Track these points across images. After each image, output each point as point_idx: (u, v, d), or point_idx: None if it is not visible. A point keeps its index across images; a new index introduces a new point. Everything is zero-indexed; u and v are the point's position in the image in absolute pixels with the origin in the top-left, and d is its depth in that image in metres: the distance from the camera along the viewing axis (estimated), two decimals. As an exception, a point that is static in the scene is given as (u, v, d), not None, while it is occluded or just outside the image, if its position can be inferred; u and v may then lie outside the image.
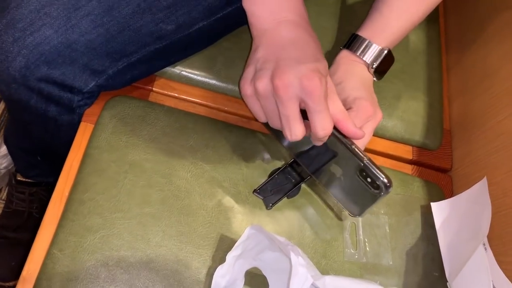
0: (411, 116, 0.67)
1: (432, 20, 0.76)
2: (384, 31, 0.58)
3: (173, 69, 0.62)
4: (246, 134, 0.60)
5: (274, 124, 0.48)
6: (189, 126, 0.58)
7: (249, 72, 0.48)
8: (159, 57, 0.58)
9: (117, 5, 0.51)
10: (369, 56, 0.57)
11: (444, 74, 0.75)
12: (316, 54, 0.47)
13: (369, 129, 0.52)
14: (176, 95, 0.62)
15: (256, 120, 0.51)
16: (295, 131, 0.45)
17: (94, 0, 0.50)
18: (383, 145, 0.67)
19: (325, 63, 0.48)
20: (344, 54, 0.58)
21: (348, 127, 0.47)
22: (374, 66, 0.57)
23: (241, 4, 0.58)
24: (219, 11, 0.58)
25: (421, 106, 0.68)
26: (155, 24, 0.54)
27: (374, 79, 0.59)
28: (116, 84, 0.57)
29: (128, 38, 0.53)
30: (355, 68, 0.57)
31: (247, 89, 0.47)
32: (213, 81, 0.63)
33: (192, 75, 0.63)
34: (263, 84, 0.45)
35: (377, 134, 0.67)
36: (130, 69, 0.56)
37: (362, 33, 0.58)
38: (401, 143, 0.67)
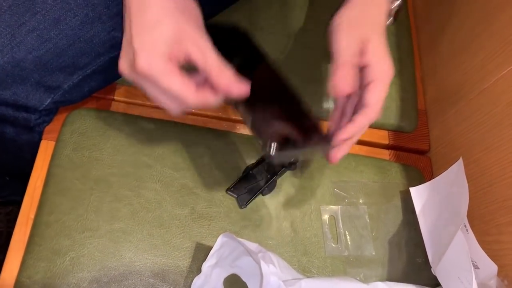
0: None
1: (398, -1, 0.74)
2: None
3: (134, 75, 0.60)
4: (215, 136, 0.58)
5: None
6: (154, 133, 0.56)
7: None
8: (115, 66, 0.55)
9: (63, 17, 0.48)
10: None
11: (416, 55, 0.73)
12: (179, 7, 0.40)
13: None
14: (140, 101, 0.60)
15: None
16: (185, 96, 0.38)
17: (39, 14, 0.48)
18: (358, 133, 0.65)
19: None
20: None
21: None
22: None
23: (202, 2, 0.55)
24: None
25: (394, 89, 0.66)
26: (107, 32, 0.51)
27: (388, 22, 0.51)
28: (74, 98, 0.55)
29: (80, 50, 0.50)
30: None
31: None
32: (177, 84, 0.61)
33: (155, 80, 0.61)
34: (126, 71, 0.40)
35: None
36: (87, 81, 0.54)
37: None
38: (376, 128, 0.66)
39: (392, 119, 0.65)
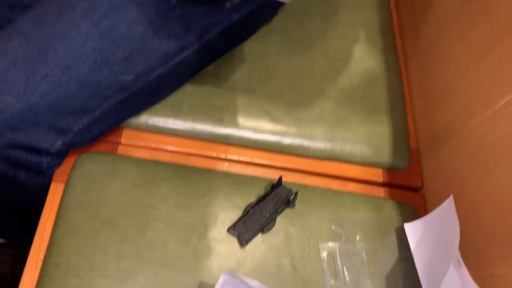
0: (377, 140, 0.69)
1: (389, 44, 0.79)
2: None
3: (139, 119, 0.64)
4: (217, 176, 0.61)
5: None
6: (159, 175, 0.59)
7: None
8: (123, 108, 0.59)
9: (73, 64, 0.52)
10: None
11: (407, 96, 0.77)
12: None
13: None
14: (145, 144, 0.63)
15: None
16: None
17: (51, 62, 0.52)
18: (353, 171, 0.68)
19: None
20: None
21: None
22: None
23: (197, 48, 0.60)
24: (175, 56, 0.60)
25: (386, 128, 0.70)
26: (114, 76, 0.55)
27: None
28: (84, 141, 0.58)
29: (89, 93, 0.54)
30: None
31: None
32: (180, 127, 0.64)
33: (159, 123, 0.64)
34: None
35: (346, 160, 0.68)
36: (96, 123, 0.57)
37: None
38: (371, 166, 0.69)
39: (386, 158, 0.68)
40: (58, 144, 0.54)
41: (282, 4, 0.73)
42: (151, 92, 0.61)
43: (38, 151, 0.54)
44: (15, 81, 0.50)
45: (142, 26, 0.55)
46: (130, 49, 0.55)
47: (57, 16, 0.53)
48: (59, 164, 0.58)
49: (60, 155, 0.57)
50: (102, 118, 0.57)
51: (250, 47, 0.73)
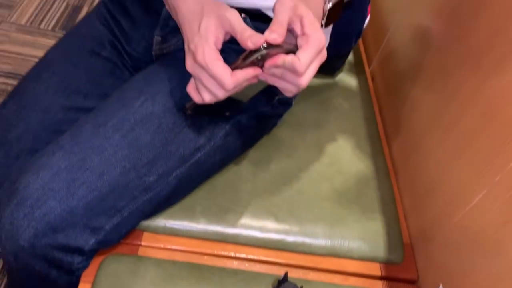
0: (373, 236, 0.75)
1: (376, 149, 0.89)
2: None
3: (158, 223, 0.71)
4: (227, 274, 0.67)
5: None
6: (175, 274, 0.65)
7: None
8: (147, 207, 0.66)
9: (106, 170, 0.61)
10: None
11: (396, 193, 0.85)
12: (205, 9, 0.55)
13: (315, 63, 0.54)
14: (162, 246, 0.70)
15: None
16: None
17: (88, 171, 0.60)
18: (352, 266, 0.74)
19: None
20: None
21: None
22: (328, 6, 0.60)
23: (208, 149, 0.69)
24: (190, 158, 0.68)
25: (380, 225, 0.77)
26: (140, 178, 0.63)
27: (323, 21, 0.62)
28: (113, 239, 0.64)
29: (119, 194, 0.62)
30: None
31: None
32: (193, 229, 0.71)
33: (175, 226, 0.71)
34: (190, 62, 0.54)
35: (345, 255, 0.74)
36: (124, 222, 0.64)
37: None
38: (368, 261, 0.74)
39: (382, 253, 0.74)
40: (91, 242, 0.61)
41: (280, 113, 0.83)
42: (171, 193, 0.69)
43: (73, 249, 0.60)
44: (58, 188, 0.58)
45: (163, 135, 0.65)
46: (153, 154, 0.64)
47: (92, 132, 0.63)
48: (88, 265, 0.64)
49: (91, 255, 0.63)
50: (130, 217, 0.64)
51: (254, 153, 0.82)
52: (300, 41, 0.53)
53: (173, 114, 0.66)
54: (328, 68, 1.01)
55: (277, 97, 0.76)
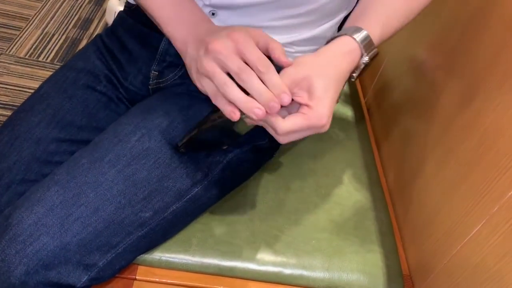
0: (371, 268, 0.74)
1: (373, 179, 0.89)
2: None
3: (153, 256, 0.70)
4: (224, 308, 0.65)
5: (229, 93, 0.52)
6: (171, 309, 0.63)
7: (193, 69, 0.57)
8: (142, 243, 0.65)
9: (101, 206, 0.60)
10: (362, 40, 0.59)
11: (395, 225, 0.85)
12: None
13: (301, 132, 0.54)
14: (158, 279, 0.69)
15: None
16: (232, 91, 0.51)
17: (83, 206, 0.60)
18: (352, 299, 0.72)
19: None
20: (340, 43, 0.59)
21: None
22: (365, 60, 0.60)
23: (205, 184, 0.69)
24: (187, 193, 0.67)
25: (378, 257, 0.76)
26: (135, 214, 0.62)
27: (355, 74, 0.61)
28: (106, 275, 0.63)
29: (114, 230, 0.61)
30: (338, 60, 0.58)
31: (196, 81, 0.56)
32: (189, 262, 0.70)
33: (171, 259, 0.70)
34: (205, 62, 0.53)
35: (344, 289, 0.73)
36: (118, 259, 0.63)
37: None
38: (368, 294, 0.73)
39: (381, 285, 0.73)
40: (84, 279, 0.60)
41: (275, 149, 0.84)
42: (167, 228, 0.68)
43: (65, 287, 0.59)
44: (52, 224, 0.57)
45: (159, 170, 0.64)
46: (150, 190, 0.63)
47: (88, 167, 0.62)
48: (79, 303, 0.62)
49: (83, 292, 0.62)
50: (124, 253, 0.63)
51: (251, 185, 0.82)
52: (301, 108, 0.54)
53: (170, 149, 0.66)
54: None
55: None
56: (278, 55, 0.53)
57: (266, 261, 0.72)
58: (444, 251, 0.68)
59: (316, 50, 0.59)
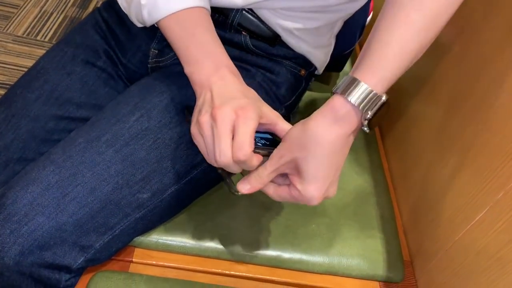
0: (371, 253, 0.73)
1: (375, 164, 0.87)
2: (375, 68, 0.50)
3: (150, 238, 0.69)
4: (222, 292, 0.64)
5: (211, 156, 0.54)
6: (168, 292, 0.62)
7: (195, 117, 0.56)
8: (139, 225, 0.64)
9: (98, 186, 0.59)
10: (357, 99, 0.49)
11: (396, 210, 0.83)
12: (246, 93, 0.57)
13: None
14: (154, 262, 0.68)
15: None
16: (223, 149, 0.51)
17: (79, 186, 0.58)
18: (351, 285, 0.71)
19: (253, 100, 0.56)
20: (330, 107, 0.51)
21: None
22: (368, 117, 0.50)
23: (204, 167, 0.67)
24: (186, 175, 0.66)
25: (379, 242, 0.75)
26: (133, 195, 0.61)
27: (365, 129, 0.52)
28: (102, 257, 0.62)
29: (111, 211, 0.60)
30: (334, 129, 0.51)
31: (193, 128, 0.56)
32: (186, 245, 0.69)
33: (168, 242, 0.69)
34: (204, 118, 0.53)
35: (344, 274, 0.72)
36: (115, 240, 0.62)
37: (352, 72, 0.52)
38: (368, 280, 0.72)
39: (381, 271, 0.72)
40: (80, 260, 0.59)
41: None
42: (164, 210, 0.67)
43: (60, 267, 0.58)
44: (48, 203, 0.56)
45: (158, 151, 0.63)
46: (148, 171, 0.62)
47: (85, 146, 0.61)
48: (76, 282, 0.61)
49: (79, 273, 0.61)
50: (121, 235, 0.62)
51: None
52: (290, 188, 0.55)
53: (170, 130, 0.64)
54: (333, 67, 1.01)
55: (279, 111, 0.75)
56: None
57: (265, 245, 0.71)
58: (446, 237, 0.67)
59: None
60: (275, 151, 0.55)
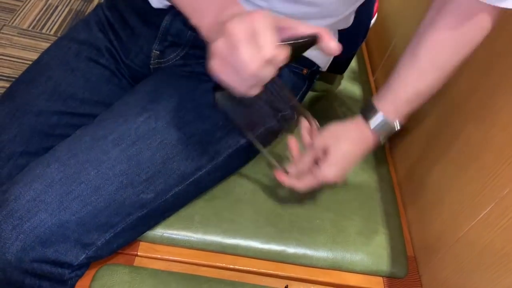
0: (375, 249, 0.73)
1: (380, 159, 0.87)
2: (392, 102, 0.66)
3: (155, 232, 0.69)
4: (226, 286, 0.65)
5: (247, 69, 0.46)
6: (172, 286, 0.63)
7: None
8: (141, 223, 0.65)
9: (102, 185, 0.59)
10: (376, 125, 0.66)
11: (400, 207, 0.83)
12: None
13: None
14: (159, 256, 0.68)
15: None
16: (264, 43, 0.45)
17: (83, 184, 0.58)
18: (355, 279, 0.72)
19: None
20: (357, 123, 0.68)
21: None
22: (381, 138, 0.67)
23: (209, 168, 0.67)
24: (190, 176, 0.66)
25: (383, 238, 0.75)
26: (137, 195, 0.61)
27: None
28: (104, 254, 0.63)
29: (113, 210, 0.60)
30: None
31: (214, 61, 0.48)
32: (191, 239, 0.70)
33: (173, 236, 0.69)
34: (220, 44, 0.46)
35: (348, 269, 0.72)
36: (116, 238, 0.62)
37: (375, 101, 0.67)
38: (371, 275, 0.72)
39: (385, 266, 0.72)
40: (81, 257, 0.59)
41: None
42: (166, 209, 0.67)
43: (62, 264, 0.58)
44: (51, 200, 0.56)
45: (164, 151, 0.63)
46: (153, 171, 0.62)
47: (90, 145, 0.61)
48: (81, 274, 0.62)
49: (82, 267, 0.61)
50: (123, 233, 0.62)
51: (255, 163, 0.80)
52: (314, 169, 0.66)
53: (177, 131, 0.64)
54: (336, 69, 1.00)
55: (280, 114, 0.75)
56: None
57: (269, 240, 0.71)
58: (451, 233, 0.67)
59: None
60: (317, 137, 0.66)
